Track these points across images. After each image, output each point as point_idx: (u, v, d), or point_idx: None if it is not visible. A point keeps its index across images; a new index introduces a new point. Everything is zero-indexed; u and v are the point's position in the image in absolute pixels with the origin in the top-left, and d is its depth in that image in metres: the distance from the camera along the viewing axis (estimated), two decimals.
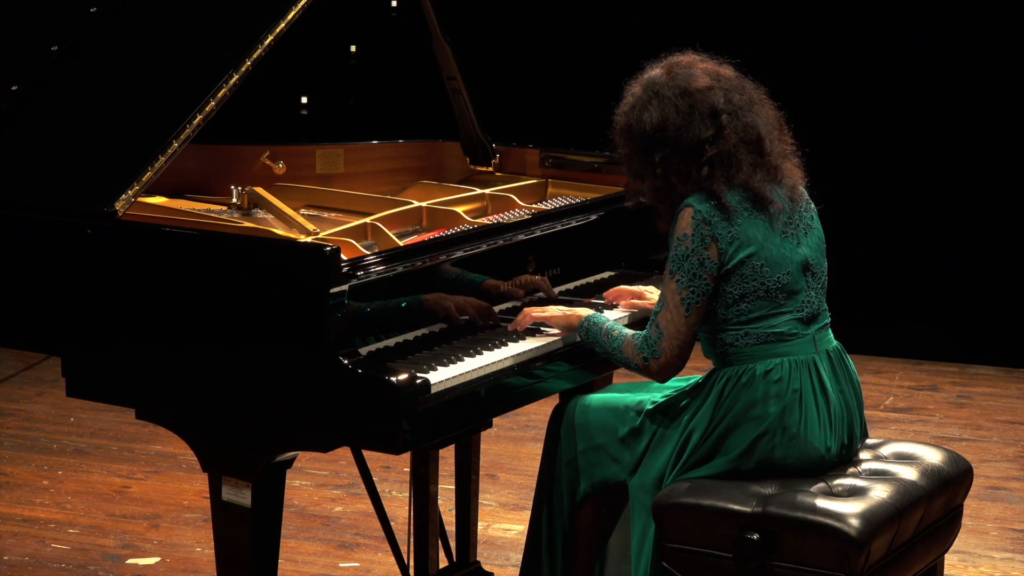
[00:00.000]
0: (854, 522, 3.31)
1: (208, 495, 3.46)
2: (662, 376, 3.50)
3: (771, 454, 3.46)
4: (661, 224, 3.55)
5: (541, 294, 3.80)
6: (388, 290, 3.40)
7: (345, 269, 3.27)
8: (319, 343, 3.21)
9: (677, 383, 3.65)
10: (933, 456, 3.64)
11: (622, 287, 3.91)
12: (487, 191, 4.18)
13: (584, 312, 3.63)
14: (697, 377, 3.63)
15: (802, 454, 3.47)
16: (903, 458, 3.63)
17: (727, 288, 3.44)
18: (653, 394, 3.64)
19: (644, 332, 3.49)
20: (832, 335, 3.57)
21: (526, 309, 3.66)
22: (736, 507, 3.37)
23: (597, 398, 3.68)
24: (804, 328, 3.49)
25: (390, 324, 3.41)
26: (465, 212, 3.95)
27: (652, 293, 3.86)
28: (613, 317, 3.70)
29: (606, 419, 3.62)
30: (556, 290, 3.86)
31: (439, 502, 4.09)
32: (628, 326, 3.69)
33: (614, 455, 3.60)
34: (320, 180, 4.30)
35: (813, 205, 3.60)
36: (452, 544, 4.28)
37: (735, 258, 3.42)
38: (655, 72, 3.54)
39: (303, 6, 3.67)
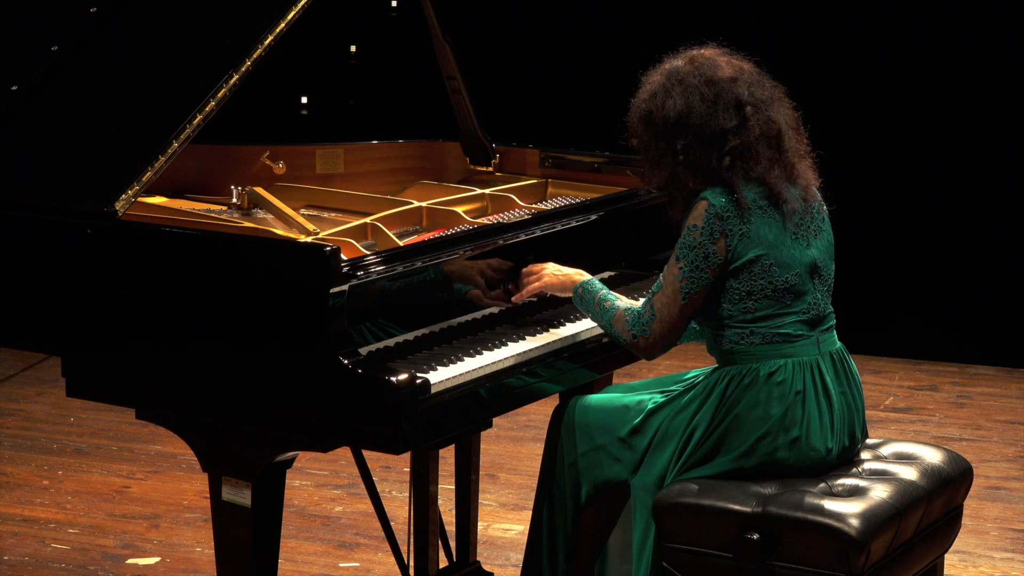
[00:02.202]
0: (854, 522, 3.31)
1: (208, 495, 3.46)
2: (648, 354, 3.53)
3: (773, 455, 3.46)
4: (673, 213, 3.54)
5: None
6: (388, 290, 3.39)
7: (345, 269, 3.27)
8: (319, 343, 3.21)
9: (676, 384, 3.65)
10: (933, 456, 3.64)
11: None
12: (487, 191, 4.18)
13: (580, 277, 3.63)
14: (697, 372, 3.63)
15: (803, 455, 3.47)
16: (903, 458, 3.63)
17: (734, 284, 3.45)
18: (653, 393, 3.64)
19: (638, 308, 3.51)
20: (836, 336, 3.57)
21: (524, 273, 3.66)
22: (736, 507, 3.37)
23: (597, 399, 3.68)
24: (809, 330, 3.49)
25: (390, 324, 3.40)
26: (465, 212, 3.95)
27: None
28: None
29: (606, 419, 3.62)
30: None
31: (439, 502, 4.09)
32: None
33: (616, 455, 3.59)
34: (320, 180, 4.30)
35: (825, 207, 3.60)
36: (452, 544, 4.28)
37: (744, 256, 3.42)
38: (677, 63, 3.54)
39: (303, 6, 3.67)
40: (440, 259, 3.52)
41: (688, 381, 3.63)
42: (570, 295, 3.65)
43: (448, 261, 3.54)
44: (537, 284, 3.66)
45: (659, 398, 3.61)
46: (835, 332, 3.57)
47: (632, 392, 3.69)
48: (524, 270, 3.69)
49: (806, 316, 3.49)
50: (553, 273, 3.67)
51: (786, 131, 3.52)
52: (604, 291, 3.61)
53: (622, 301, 3.58)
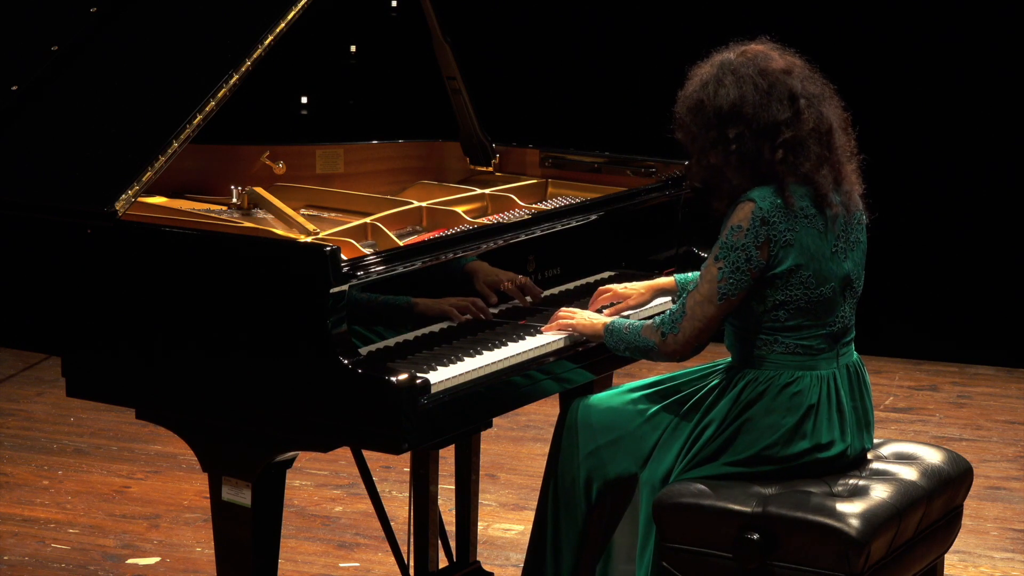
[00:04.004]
0: (854, 522, 3.31)
1: (208, 495, 3.46)
2: (676, 355, 3.49)
3: (778, 464, 3.45)
4: (717, 204, 3.50)
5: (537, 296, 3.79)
6: (388, 290, 3.40)
7: (345, 269, 3.27)
8: (319, 343, 3.21)
9: (682, 380, 3.64)
10: (933, 456, 3.64)
11: (608, 287, 3.86)
12: (487, 191, 4.18)
13: (609, 320, 3.63)
14: (702, 369, 3.62)
15: (810, 466, 3.46)
16: (903, 458, 3.63)
17: (770, 292, 3.42)
18: (659, 390, 3.63)
19: (668, 310, 3.49)
20: (854, 348, 3.56)
21: (558, 316, 3.66)
22: (736, 507, 3.37)
23: (599, 398, 3.67)
24: (831, 344, 3.48)
25: (390, 324, 3.41)
26: (465, 212, 3.95)
27: (631, 288, 3.83)
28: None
29: (612, 417, 3.61)
30: (556, 290, 3.86)
31: (439, 502, 4.09)
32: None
33: (625, 449, 3.59)
34: (320, 180, 4.30)
35: (864, 217, 3.56)
36: (452, 544, 4.28)
37: (784, 264, 3.40)
38: (728, 55, 3.49)
39: (303, 6, 3.67)
40: (440, 259, 3.52)
41: (694, 377, 3.62)
42: (601, 338, 3.62)
43: (448, 261, 3.54)
44: (569, 322, 3.64)
45: (667, 394, 3.60)
46: (854, 344, 3.56)
47: (634, 389, 3.69)
48: (561, 310, 3.68)
49: (832, 329, 3.47)
50: (583, 319, 3.65)
51: (836, 130, 3.49)
52: (632, 320, 3.60)
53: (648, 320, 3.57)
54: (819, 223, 3.43)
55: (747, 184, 3.43)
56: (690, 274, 3.84)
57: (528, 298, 3.74)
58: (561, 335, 3.63)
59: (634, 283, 3.86)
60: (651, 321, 3.52)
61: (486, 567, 4.40)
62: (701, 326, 3.44)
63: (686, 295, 3.47)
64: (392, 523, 4.19)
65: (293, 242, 3.48)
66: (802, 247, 3.40)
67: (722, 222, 3.45)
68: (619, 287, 3.83)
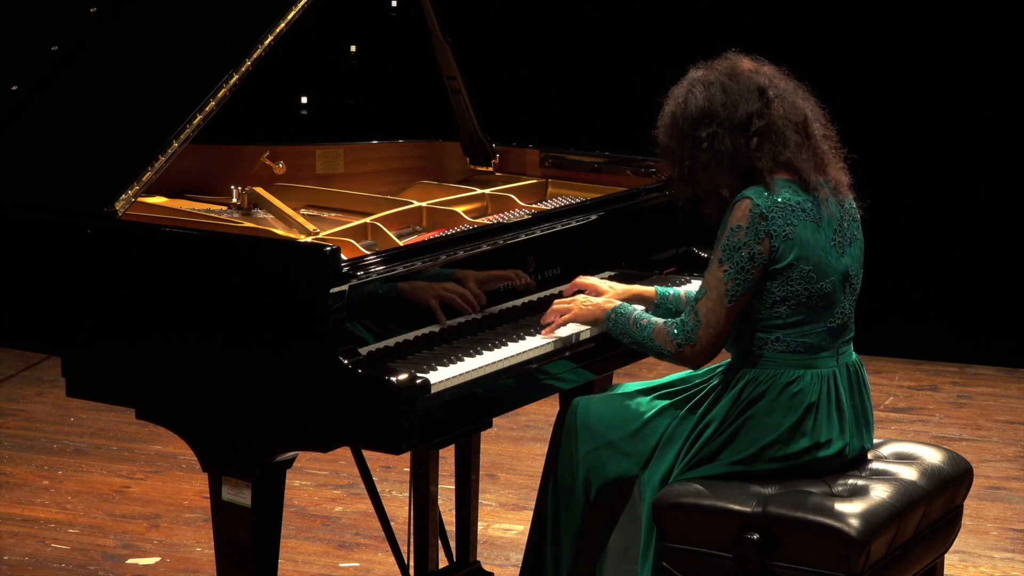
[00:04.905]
0: (854, 522, 3.31)
1: (208, 495, 3.46)
2: (695, 363, 3.50)
3: (778, 463, 3.46)
4: (708, 209, 3.53)
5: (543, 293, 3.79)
6: (388, 290, 3.40)
7: (345, 269, 3.27)
8: (319, 343, 3.21)
9: (684, 383, 3.64)
10: (933, 456, 3.64)
11: (587, 282, 3.79)
12: (487, 191, 4.18)
13: (610, 304, 3.62)
14: (704, 372, 3.62)
15: (810, 465, 3.47)
16: (903, 458, 3.63)
17: (771, 287, 3.43)
18: (661, 391, 3.63)
19: (679, 318, 3.49)
20: (853, 348, 3.56)
21: (553, 307, 3.64)
22: (736, 507, 3.37)
23: (600, 398, 3.68)
24: (831, 341, 3.48)
25: (390, 324, 3.40)
26: (465, 212, 3.95)
27: (608, 286, 3.80)
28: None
29: (613, 417, 3.61)
30: (557, 290, 3.85)
31: (439, 502, 4.09)
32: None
33: (625, 450, 3.59)
34: (320, 180, 4.30)
35: (857, 211, 3.57)
36: (452, 544, 4.28)
37: (785, 259, 3.41)
38: (696, 72, 3.54)
39: (303, 6, 3.67)
40: (440, 259, 3.52)
41: (695, 379, 3.62)
42: (603, 326, 3.63)
43: (448, 261, 3.54)
44: (567, 318, 3.64)
45: (667, 396, 3.60)
46: (852, 344, 3.56)
47: (635, 389, 3.69)
48: (555, 302, 3.67)
49: (832, 324, 3.48)
50: (582, 305, 3.64)
51: (812, 120, 3.51)
52: (639, 311, 3.60)
53: (657, 318, 3.56)
54: (814, 215, 3.44)
55: (734, 183, 3.45)
56: (671, 289, 3.82)
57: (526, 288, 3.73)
58: (559, 335, 3.63)
59: (615, 284, 3.81)
60: (662, 325, 3.52)
61: (486, 567, 4.40)
62: (717, 331, 3.45)
63: (695, 302, 3.46)
64: (392, 523, 4.19)
65: (293, 242, 3.48)
66: (801, 240, 3.41)
67: (720, 224, 3.45)
68: (601, 284, 3.78)
